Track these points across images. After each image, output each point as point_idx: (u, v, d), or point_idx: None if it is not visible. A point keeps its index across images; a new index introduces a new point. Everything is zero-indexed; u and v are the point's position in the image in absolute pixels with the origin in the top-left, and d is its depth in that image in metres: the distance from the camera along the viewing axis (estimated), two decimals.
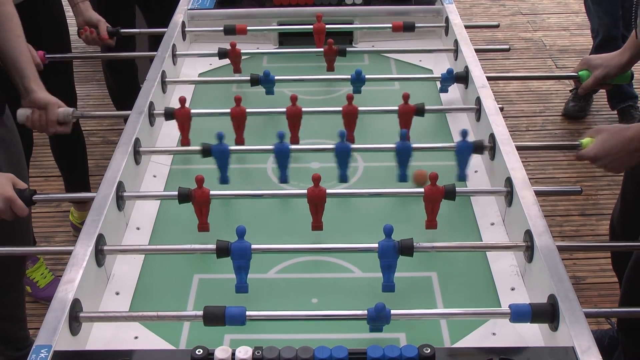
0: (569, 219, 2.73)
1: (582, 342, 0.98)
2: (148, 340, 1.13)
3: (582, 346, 0.97)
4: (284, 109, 1.57)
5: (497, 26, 2.30)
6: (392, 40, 2.13)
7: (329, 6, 2.13)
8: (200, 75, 2.00)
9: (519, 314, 1.06)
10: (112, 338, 1.14)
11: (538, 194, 1.30)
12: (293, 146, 1.46)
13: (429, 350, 0.95)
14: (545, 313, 1.06)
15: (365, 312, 1.06)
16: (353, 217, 1.44)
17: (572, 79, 1.83)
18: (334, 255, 1.31)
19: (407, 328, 1.14)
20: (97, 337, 1.13)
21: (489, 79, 1.69)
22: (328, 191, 1.31)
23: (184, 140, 1.60)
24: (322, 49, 1.89)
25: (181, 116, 1.58)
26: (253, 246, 1.19)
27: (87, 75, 3.72)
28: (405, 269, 1.21)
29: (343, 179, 1.46)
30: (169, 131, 1.68)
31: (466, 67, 1.76)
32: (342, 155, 1.44)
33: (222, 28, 2.02)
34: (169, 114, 1.60)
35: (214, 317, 1.06)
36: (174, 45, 1.92)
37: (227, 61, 1.92)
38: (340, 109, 1.57)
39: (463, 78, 1.76)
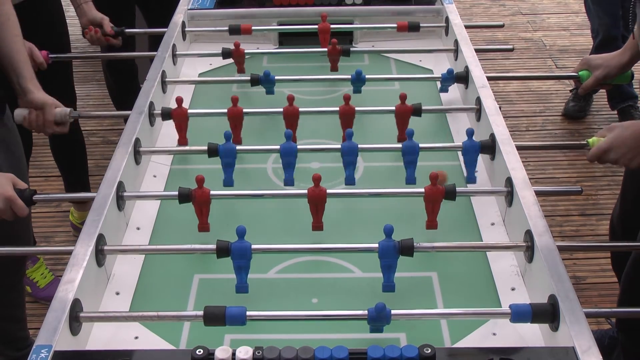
0: (569, 219, 2.73)
1: (582, 342, 0.98)
2: (148, 340, 1.13)
3: (583, 346, 0.97)
4: (281, 109, 1.57)
5: (502, 26, 2.30)
6: (392, 40, 2.13)
7: (329, 6, 2.13)
8: (200, 75, 2.00)
9: (519, 314, 1.06)
10: (112, 338, 1.13)
11: (538, 194, 1.30)
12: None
13: (430, 351, 0.95)
14: (546, 313, 1.06)
15: (366, 312, 1.06)
16: (353, 217, 1.44)
17: (572, 79, 1.83)
18: (334, 255, 1.31)
19: (408, 328, 1.14)
20: (98, 337, 1.13)
21: (489, 79, 1.69)
22: (328, 191, 1.31)
23: (182, 140, 1.60)
24: (325, 49, 1.88)
25: (178, 116, 1.58)
26: (253, 246, 1.19)
27: (87, 75, 3.72)
28: (405, 269, 1.21)
29: (350, 181, 1.43)
30: (169, 131, 1.68)
31: (466, 67, 1.76)
32: (350, 154, 1.41)
33: (222, 28, 2.03)
34: (166, 114, 1.60)
35: (214, 317, 1.06)
36: (174, 45, 1.92)
37: (227, 61, 1.92)
38: (338, 109, 1.57)
39: (463, 78, 1.76)
